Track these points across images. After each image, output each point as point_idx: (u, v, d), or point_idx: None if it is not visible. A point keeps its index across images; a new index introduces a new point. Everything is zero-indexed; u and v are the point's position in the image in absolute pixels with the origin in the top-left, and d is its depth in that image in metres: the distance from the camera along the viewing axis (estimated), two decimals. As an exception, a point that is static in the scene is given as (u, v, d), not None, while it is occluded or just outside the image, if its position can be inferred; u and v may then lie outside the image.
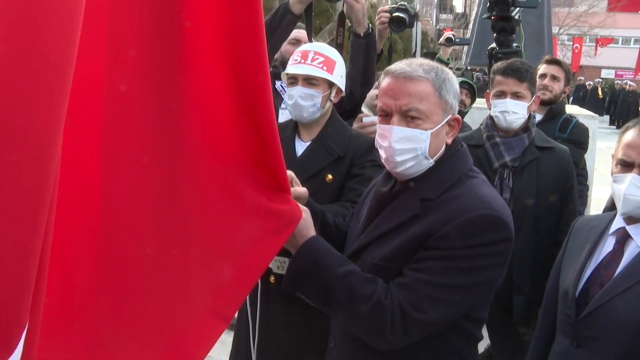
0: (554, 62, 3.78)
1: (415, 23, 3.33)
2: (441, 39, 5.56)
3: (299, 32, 3.43)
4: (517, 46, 3.84)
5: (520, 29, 4.00)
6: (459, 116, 1.63)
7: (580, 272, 1.93)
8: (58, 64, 0.83)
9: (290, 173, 1.67)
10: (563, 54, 25.29)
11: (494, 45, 3.88)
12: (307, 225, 1.63)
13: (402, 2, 3.42)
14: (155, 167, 1.21)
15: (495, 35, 3.75)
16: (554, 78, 3.68)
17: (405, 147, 1.58)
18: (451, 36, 5.41)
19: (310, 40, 3.15)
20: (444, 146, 1.62)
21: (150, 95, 1.15)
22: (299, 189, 1.79)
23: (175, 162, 1.27)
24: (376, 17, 3.40)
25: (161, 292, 1.35)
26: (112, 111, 1.11)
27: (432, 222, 1.53)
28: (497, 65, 2.82)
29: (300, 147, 2.51)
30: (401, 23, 3.30)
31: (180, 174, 1.32)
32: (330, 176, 2.42)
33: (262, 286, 2.32)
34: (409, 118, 1.57)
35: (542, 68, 3.72)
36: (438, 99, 1.57)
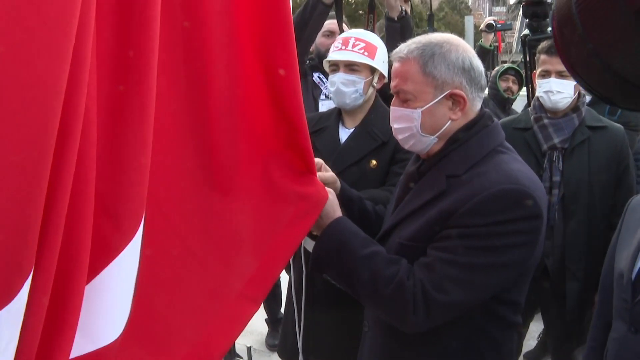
0: None
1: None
2: (482, 26, 5.44)
3: (332, 24, 3.43)
4: (551, 30, 3.68)
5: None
6: (459, 91, 1.54)
7: (635, 254, 1.84)
8: (48, 60, 0.88)
9: (317, 160, 1.70)
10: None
11: (526, 32, 3.72)
12: (333, 207, 1.64)
13: None
14: (155, 167, 1.21)
15: (527, 21, 3.59)
16: None
17: (402, 126, 1.60)
18: (492, 22, 5.30)
19: (341, 29, 3.16)
20: (449, 122, 1.57)
21: (149, 96, 1.15)
22: (327, 174, 1.79)
23: (178, 160, 1.27)
24: None
25: (198, 278, 1.40)
26: (111, 111, 1.11)
27: (457, 199, 1.48)
28: (542, 44, 2.73)
29: (344, 134, 2.53)
30: None
31: (187, 168, 1.35)
32: (374, 162, 2.43)
33: (307, 283, 2.35)
34: (402, 99, 1.59)
35: None
36: (424, 76, 1.54)
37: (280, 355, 2.80)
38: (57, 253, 0.94)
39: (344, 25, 3.29)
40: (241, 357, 3.54)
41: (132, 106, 1.14)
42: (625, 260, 1.86)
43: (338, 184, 1.86)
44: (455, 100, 1.56)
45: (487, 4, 35.31)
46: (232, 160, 1.41)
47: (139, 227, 1.14)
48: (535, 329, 4.04)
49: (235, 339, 1.50)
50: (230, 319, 1.44)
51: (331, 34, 3.40)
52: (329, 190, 1.67)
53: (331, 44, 2.57)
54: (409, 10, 3.25)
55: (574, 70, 0.85)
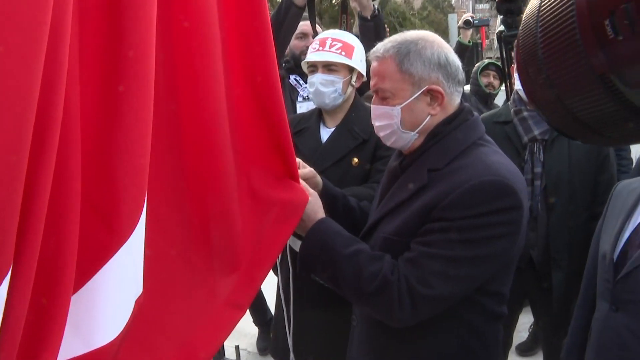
0: None
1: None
2: (459, 22, 5.51)
3: (305, 26, 3.43)
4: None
5: None
6: (436, 87, 1.57)
7: (618, 235, 1.86)
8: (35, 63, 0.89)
9: (297, 160, 1.72)
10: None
11: (501, 28, 3.76)
12: (314, 209, 1.66)
13: None
14: (155, 167, 1.22)
15: (502, 17, 3.64)
16: None
17: (383, 124, 1.63)
18: (469, 19, 5.39)
19: (314, 31, 3.17)
20: (428, 117, 1.59)
21: (148, 96, 1.15)
22: (305, 171, 1.81)
23: (175, 161, 1.28)
24: None
25: (185, 287, 1.41)
26: (110, 112, 1.11)
27: (438, 193, 1.50)
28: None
29: (325, 133, 2.55)
30: None
31: (183, 172, 1.35)
32: (356, 160, 2.45)
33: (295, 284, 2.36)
34: (381, 97, 1.62)
35: None
36: (401, 74, 1.57)
37: (272, 356, 2.81)
38: (37, 253, 0.95)
39: (318, 26, 3.31)
40: None
41: (129, 108, 1.14)
42: (608, 241, 1.89)
43: (318, 178, 1.87)
44: (433, 95, 1.58)
45: (470, 2, 35.50)
46: (207, 171, 1.42)
47: (133, 228, 1.15)
48: (527, 320, 4.07)
49: (221, 345, 1.51)
50: (216, 325, 1.45)
51: (304, 36, 3.41)
52: (311, 192, 1.69)
53: (305, 46, 2.59)
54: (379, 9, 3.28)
55: (538, 107, 0.85)
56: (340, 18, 3.22)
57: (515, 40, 0.86)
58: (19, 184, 0.90)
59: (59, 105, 0.98)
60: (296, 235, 1.69)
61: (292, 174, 1.67)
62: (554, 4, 0.74)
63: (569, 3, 0.70)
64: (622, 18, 0.63)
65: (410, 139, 1.62)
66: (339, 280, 1.57)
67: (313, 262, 1.62)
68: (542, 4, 0.77)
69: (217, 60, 1.37)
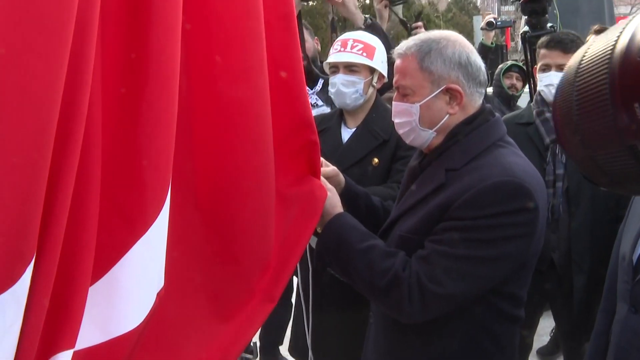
0: (603, 31, 3.60)
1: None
2: (482, 24, 5.50)
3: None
4: (551, 26, 3.66)
5: (555, 5, 3.84)
6: (455, 86, 1.58)
7: (638, 236, 1.85)
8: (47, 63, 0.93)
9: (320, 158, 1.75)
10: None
11: (526, 29, 3.73)
12: (332, 204, 1.69)
13: None
14: (111, 140, 1.20)
15: (526, 18, 3.61)
16: None
17: (402, 121, 1.65)
18: (492, 20, 5.37)
19: (302, 39, 3.21)
20: (447, 116, 1.60)
21: (150, 98, 1.16)
22: (327, 169, 1.84)
23: (180, 163, 1.29)
24: (375, 1, 3.45)
25: (218, 278, 1.45)
26: (112, 113, 1.13)
27: (454, 192, 1.51)
28: (542, 38, 2.75)
29: (346, 133, 2.57)
30: None
31: (192, 174, 1.37)
32: (376, 160, 2.47)
33: (314, 283, 2.38)
34: (402, 94, 1.64)
35: (590, 39, 3.56)
36: (422, 72, 1.58)
37: (291, 354, 2.84)
38: (60, 243, 0.99)
39: (308, 35, 3.36)
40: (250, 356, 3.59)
41: (150, 106, 1.17)
42: (628, 242, 1.87)
43: (341, 177, 1.90)
44: (452, 94, 1.59)
45: (496, 4, 35.20)
46: (236, 164, 1.44)
47: (152, 222, 1.18)
48: (548, 324, 4.04)
49: (252, 338, 1.55)
50: (250, 320, 1.50)
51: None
52: (329, 187, 1.72)
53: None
54: (399, 14, 3.32)
55: (571, 158, 0.99)
56: (330, 37, 3.27)
57: (553, 101, 0.97)
58: (43, 178, 0.95)
59: (83, 103, 1.02)
60: (314, 232, 1.72)
61: (314, 171, 1.69)
62: (589, 80, 0.86)
63: (603, 81, 0.83)
64: None
65: (428, 137, 1.64)
66: (352, 274, 1.61)
67: (328, 255, 1.65)
68: (579, 76, 0.89)
69: (222, 62, 1.38)
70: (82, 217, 1.06)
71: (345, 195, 1.82)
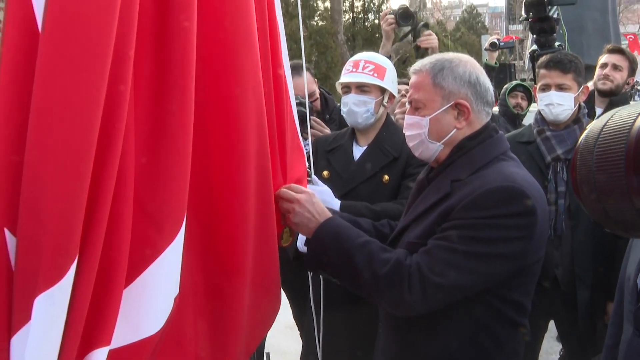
0: (616, 50, 3.65)
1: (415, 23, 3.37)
2: (486, 45, 5.63)
3: None
4: (559, 45, 3.76)
5: (562, 26, 3.94)
6: (464, 102, 1.70)
7: None
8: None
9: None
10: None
11: (534, 47, 3.83)
12: (322, 208, 1.78)
13: (402, 4, 3.52)
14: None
15: (535, 37, 3.71)
16: (615, 67, 3.57)
17: (413, 133, 1.78)
18: (495, 41, 5.50)
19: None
20: (454, 130, 1.72)
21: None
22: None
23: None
24: (382, 21, 3.52)
25: (234, 288, 1.55)
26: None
27: (457, 198, 1.62)
28: (541, 59, 2.84)
29: (358, 151, 2.67)
30: (408, 16, 3.38)
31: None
32: (386, 177, 2.56)
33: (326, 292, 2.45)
34: (414, 107, 1.76)
35: (603, 57, 3.61)
36: (434, 87, 1.72)
37: (302, 363, 2.90)
38: (100, 244, 1.10)
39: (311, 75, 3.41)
40: None
41: (177, 122, 1.26)
42: (632, 264, 1.92)
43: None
44: (461, 110, 1.71)
45: (504, 23, 35.41)
46: (212, 171, 1.48)
47: (178, 230, 1.28)
48: (557, 344, 4.07)
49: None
50: (262, 319, 1.64)
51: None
52: (311, 192, 1.80)
53: None
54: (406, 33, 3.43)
55: (586, 208, 1.16)
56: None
57: (572, 160, 1.17)
58: (86, 183, 1.06)
59: (122, 117, 1.13)
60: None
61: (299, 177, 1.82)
62: (609, 149, 1.06)
63: (620, 152, 1.03)
64: None
65: (436, 150, 1.75)
66: (351, 267, 1.65)
67: (325, 253, 1.71)
68: (600, 142, 1.08)
69: (220, 60, 1.43)
70: (118, 221, 1.16)
71: None
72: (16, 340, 1.05)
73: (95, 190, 1.09)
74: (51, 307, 1.04)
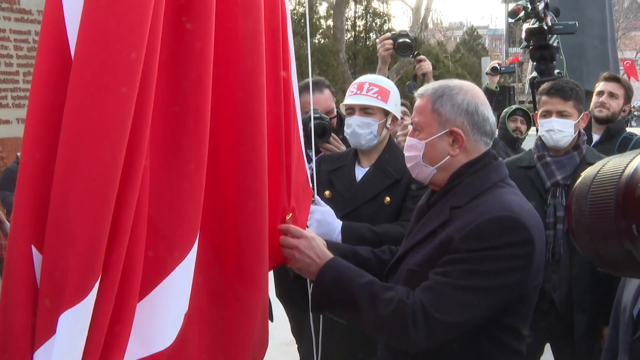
0: (612, 78, 3.71)
1: (415, 48, 3.40)
2: (487, 69, 5.69)
3: None
4: (559, 72, 3.82)
5: (561, 54, 4.01)
6: (458, 130, 1.72)
7: (639, 291, 1.90)
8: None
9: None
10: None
11: (534, 74, 3.89)
12: (323, 250, 1.82)
13: (403, 30, 3.52)
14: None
15: (535, 64, 3.77)
16: (611, 95, 3.63)
17: (411, 155, 1.82)
18: (496, 65, 5.56)
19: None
20: (448, 157, 1.75)
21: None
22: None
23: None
24: (379, 45, 3.54)
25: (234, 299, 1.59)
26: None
27: (456, 227, 1.64)
28: (543, 85, 2.89)
29: (360, 172, 2.70)
30: (407, 48, 3.42)
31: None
32: (388, 198, 2.59)
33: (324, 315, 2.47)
34: (415, 130, 1.81)
35: (600, 85, 3.68)
36: (432, 112, 1.75)
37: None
38: (121, 262, 1.14)
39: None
40: None
41: (190, 143, 1.30)
42: (629, 294, 1.93)
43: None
44: (455, 137, 1.74)
45: (504, 45, 35.75)
46: (214, 175, 1.48)
47: (190, 249, 1.32)
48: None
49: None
50: (261, 338, 1.67)
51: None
52: (312, 235, 1.85)
53: None
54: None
55: (579, 247, 1.26)
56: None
57: (567, 204, 1.28)
58: (111, 204, 1.09)
59: (144, 141, 1.17)
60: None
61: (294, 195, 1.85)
62: (601, 194, 1.16)
63: (610, 199, 1.13)
64: None
65: (429, 173, 1.79)
66: (355, 308, 1.68)
67: (329, 295, 1.74)
68: (593, 187, 1.18)
69: (223, 62, 1.44)
70: (134, 239, 1.20)
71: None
72: (39, 355, 1.08)
73: (117, 209, 1.13)
74: (75, 324, 1.07)
